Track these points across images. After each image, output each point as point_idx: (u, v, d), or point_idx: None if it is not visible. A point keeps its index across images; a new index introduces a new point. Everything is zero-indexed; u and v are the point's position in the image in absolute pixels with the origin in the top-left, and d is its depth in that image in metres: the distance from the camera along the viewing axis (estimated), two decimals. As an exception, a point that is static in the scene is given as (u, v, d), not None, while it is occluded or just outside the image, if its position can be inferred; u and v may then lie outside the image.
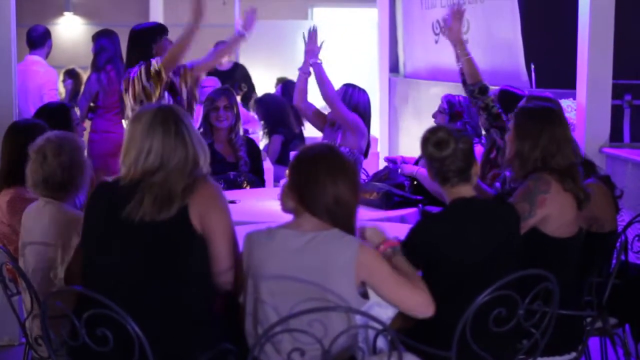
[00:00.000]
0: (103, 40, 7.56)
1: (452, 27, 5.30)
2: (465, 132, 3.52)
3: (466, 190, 3.47)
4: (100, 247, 3.19)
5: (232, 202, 5.24)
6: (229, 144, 6.26)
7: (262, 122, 8.09)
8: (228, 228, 3.24)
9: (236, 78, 10.46)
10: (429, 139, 3.46)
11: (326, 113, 6.42)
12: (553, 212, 3.67)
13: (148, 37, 5.99)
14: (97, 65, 7.49)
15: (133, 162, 3.17)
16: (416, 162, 6.03)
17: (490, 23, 7.71)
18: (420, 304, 3.10)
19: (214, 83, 8.79)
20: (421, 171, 5.67)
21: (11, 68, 5.52)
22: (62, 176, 3.81)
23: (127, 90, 5.78)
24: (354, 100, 6.14)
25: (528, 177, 3.74)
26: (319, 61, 6.09)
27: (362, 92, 6.23)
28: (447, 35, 5.35)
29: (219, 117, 6.21)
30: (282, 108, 7.83)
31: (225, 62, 11.24)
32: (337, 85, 6.24)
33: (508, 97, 5.11)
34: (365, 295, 3.14)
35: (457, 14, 5.32)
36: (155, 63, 5.72)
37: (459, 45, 5.24)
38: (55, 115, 5.09)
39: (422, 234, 3.41)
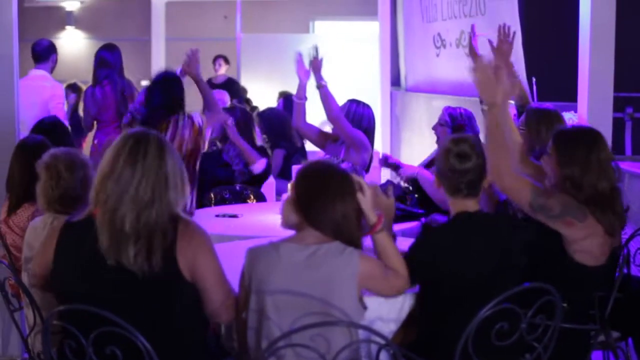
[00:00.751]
0: (104, 53, 7.58)
1: (501, 48, 5.22)
2: (481, 147, 3.51)
3: (472, 204, 3.47)
4: (81, 287, 3.03)
5: (234, 216, 5.25)
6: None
7: (264, 136, 8.10)
8: (217, 269, 3.12)
9: (232, 91, 10.48)
10: (451, 150, 3.46)
11: (327, 130, 6.46)
12: (574, 237, 3.64)
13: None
14: (95, 79, 7.51)
15: (102, 193, 2.99)
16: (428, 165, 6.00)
17: (491, 36, 7.71)
18: (400, 290, 3.30)
19: (220, 96, 8.81)
20: (423, 173, 5.66)
21: (13, 83, 5.53)
22: (79, 191, 3.78)
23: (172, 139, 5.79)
24: (358, 115, 6.20)
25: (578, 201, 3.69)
26: (324, 83, 6.15)
27: (366, 107, 6.29)
28: (495, 57, 5.22)
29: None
30: (284, 122, 7.82)
31: (219, 76, 11.26)
32: (340, 100, 6.28)
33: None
34: (360, 301, 3.17)
35: (506, 36, 5.25)
36: (199, 120, 5.79)
37: (508, 68, 5.15)
38: (55, 129, 5.10)
39: (424, 248, 3.41)
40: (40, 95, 7.45)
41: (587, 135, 3.81)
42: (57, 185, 3.80)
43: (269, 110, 8.33)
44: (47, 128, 5.17)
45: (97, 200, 3.02)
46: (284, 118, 7.87)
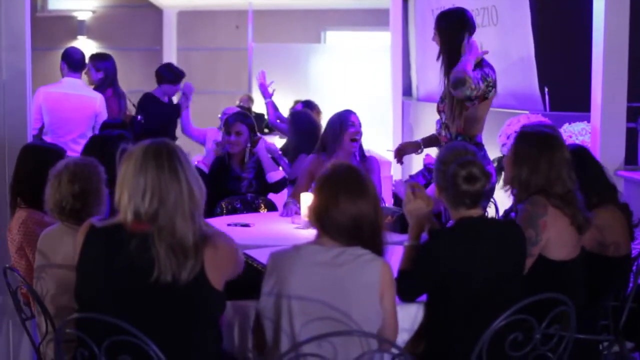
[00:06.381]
0: (106, 63, 7.62)
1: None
2: (488, 167, 3.52)
3: (475, 212, 3.47)
4: (106, 296, 2.99)
5: (246, 225, 5.24)
6: (241, 163, 6.27)
7: (286, 142, 7.96)
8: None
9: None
10: (458, 175, 3.43)
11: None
12: (553, 235, 3.67)
13: None
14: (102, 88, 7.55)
15: (128, 204, 2.96)
16: (427, 183, 6.02)
17: (503, 46, 7.71)
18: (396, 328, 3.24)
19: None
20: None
21: (26, 91, 5.53)
22: (73, 203, 3.78)
23: None
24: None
25: (526, 201, 3.74)
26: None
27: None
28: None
29: (230, 142, 6.26)
30: (314, 128, 7.64)
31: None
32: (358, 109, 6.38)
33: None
34: None
35: None
36: None
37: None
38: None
39: (429, 253, 3.41)
40: (93, 108, 7.35)
41: (543, 137, 3.83)
42: (56, 193, 3.81)
43: (304, 113, 8.20)
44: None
45: (139, 214, 2.96)
46: (314, 124, 7.73)
